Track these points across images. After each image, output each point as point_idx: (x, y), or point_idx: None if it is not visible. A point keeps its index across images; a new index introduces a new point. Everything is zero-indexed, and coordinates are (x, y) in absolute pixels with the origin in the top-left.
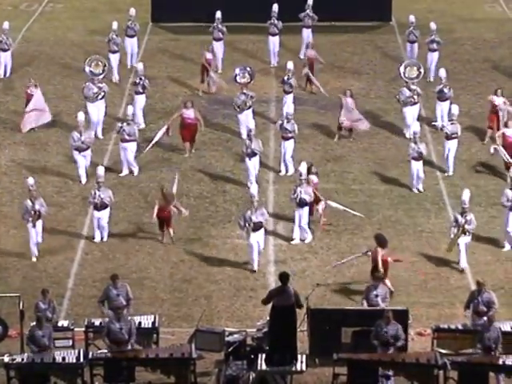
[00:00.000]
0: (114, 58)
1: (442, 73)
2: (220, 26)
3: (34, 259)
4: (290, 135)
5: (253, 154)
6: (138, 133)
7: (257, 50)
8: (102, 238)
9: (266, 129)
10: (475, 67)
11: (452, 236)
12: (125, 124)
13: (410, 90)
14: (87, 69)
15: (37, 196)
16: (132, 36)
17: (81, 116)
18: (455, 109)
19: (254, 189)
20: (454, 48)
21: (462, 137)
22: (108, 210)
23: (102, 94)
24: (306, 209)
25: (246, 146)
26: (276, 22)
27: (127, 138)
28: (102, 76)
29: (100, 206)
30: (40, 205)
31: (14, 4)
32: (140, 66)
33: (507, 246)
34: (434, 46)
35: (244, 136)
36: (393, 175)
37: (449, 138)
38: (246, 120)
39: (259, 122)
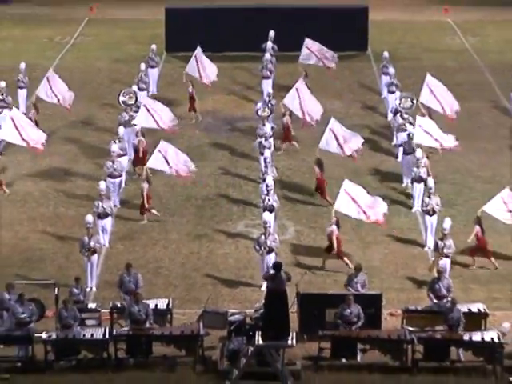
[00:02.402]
0: (143, 96)
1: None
2: (269, 65)
3: (94, 289)
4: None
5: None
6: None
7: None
8: (104, 244)
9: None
10: None
11: (433, 259)
12: (117, 141)
13: (403, 118)
14: (121, 99)
15: (93, 233)
16: (153, 67)
17: (114, 147)
18: (412, 128)
19: (267, 216)
20: (421, 74)
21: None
22: (110, 218)
23: (133, 121)
24: (273, 214)
25: (263, 172)
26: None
27: (121, 152)
28: (133, 106)
29: (103, 215)
30: (96, 241)
31: (49, 37)
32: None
33: (428, 247)
34: (393, 88)
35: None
36: (368, 181)
37: (406, 152)
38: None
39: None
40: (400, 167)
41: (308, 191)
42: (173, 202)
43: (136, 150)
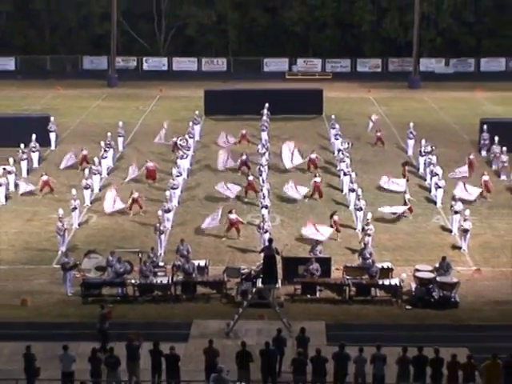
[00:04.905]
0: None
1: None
2: (266, 123)
3: (162, 254)
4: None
5: (267, 193)
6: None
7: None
8: (168, 228)
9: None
10: (364, 137)
11: (361, 236)
12: (176, 167)
13: (343, 154)
14: (179, 142)
15: (162, 221)
16: (197, 124)
17: (174, 171)
18: (345, 166)
19: (264, 211)
20: (353, 128)
21: (359, 169)
22: (172, 212)
23: (185, 156)
24: (267, 210)
25: (261, 185)
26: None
27: (179, 174)
28: (185, 147)
29: (167, 211)
30: (163, 226)
31: (136, 106)
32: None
33: (358, 229)
34: (338, 137)
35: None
36: (324, 191)
37: (345, 174)
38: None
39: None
40: (341, 183)
41: (288, 196)
42: (209, 203)
43: (147, 170)
